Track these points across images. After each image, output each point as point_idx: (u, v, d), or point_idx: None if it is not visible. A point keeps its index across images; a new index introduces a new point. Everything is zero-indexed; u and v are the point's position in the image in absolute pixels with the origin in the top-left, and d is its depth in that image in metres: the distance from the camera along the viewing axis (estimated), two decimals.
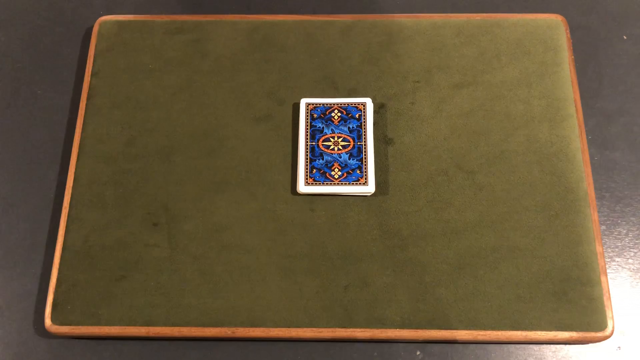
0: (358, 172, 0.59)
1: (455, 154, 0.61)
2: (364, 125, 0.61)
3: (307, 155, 0.60)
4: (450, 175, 0.60)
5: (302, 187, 0.59)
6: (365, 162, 0.59)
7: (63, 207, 0.60)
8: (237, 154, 0.61)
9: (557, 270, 0.56)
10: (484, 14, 0.67)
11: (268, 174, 0.60)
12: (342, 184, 0.59)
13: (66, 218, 0.59)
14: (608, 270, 0.59)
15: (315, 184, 0.59)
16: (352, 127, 0.61)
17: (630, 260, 0.60)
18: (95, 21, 0.68)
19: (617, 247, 0.60)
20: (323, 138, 0.61)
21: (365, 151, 0.60)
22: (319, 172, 0.59)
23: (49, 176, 0.64)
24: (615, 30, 0.69)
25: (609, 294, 0.55)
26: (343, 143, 0.60)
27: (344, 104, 0.62)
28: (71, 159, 0.62)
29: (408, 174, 0.60)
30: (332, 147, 0.60)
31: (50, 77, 0.68)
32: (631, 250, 0.60)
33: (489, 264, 0.56)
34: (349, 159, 0.60)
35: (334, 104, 0.62)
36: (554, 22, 0.66)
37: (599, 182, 0.62)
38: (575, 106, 0.62)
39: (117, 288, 0.56)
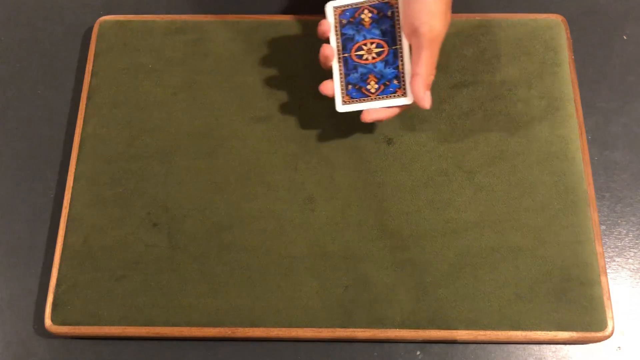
0: (395, 82, 0.56)
1: (455, 154, 0.61)
2: (398, 23, 0.56)
3: (340, 70, 0.57)
4: (450, 175, 0.60)
5: (340, 107, 0.57)
6: (402, 70, 0.56)
7: (63, 207, 0.60)
8: (237, 154, 0.61)
9: (557, 270, 0.56)
10: (484, 14, 0.67)
11: (268, 174, 0.60)
12: (379, 98, 0.56)
13: (66, 218, 0.59)
14: (608, 270, 0.59)
15: (353, 101, 0.57)
16: (385, 28, 0.57)
17: (630, 260, 0.60)
18: (95, 21, 0.68)
19: (617, 247, 0.60)
20: (355, 47, 0.57)
21: (401, 55, 0.56)
22: (355, 87, 0.57)
23: (49, 176, 0.64)
24: (615, 30, 0.69)
25: (609, 294, 0.55)
26: (377, 50, 0.57)
27: (374, 1, 0.57)
28: (71, 159, 0.62)
29: (408, 174, 0.60)
30: (365, 56, 0.57)
31: (50, 77, 0.68)
32: (631, 250, 0.60)
33: (489, 264, 0.56)
34: (385, 68, 0.56)
35: (363, 3, 0.57)
36: (554, 22, 0.66)
37: (599, 182, 0.62)
38: (575, 106, 0.62)
39: (117, 288, 0.56)
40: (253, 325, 0.55)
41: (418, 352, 0.56)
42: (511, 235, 0.57)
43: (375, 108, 0.57)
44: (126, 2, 0.72)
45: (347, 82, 0.57)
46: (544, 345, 0.56)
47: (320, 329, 0.55)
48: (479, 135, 0.61)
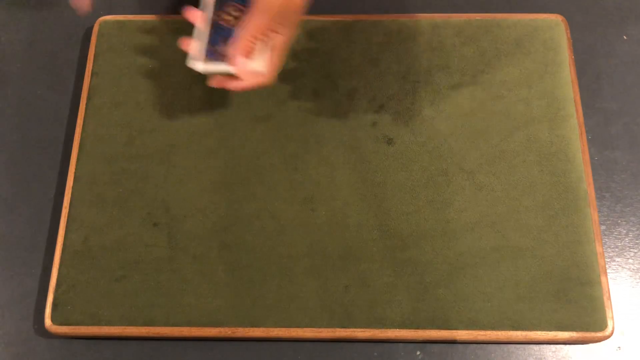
0: None
1: (455, 154, 0.61)
2: None
3: (206, 31, 0.57)
4: (450, 175, 0.60)
5: (194, 64, 0.56)
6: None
7: (63, 207, 0.60)
8: (237, 154, 0.61)
9: (557, 270, 0.56)
10: (484, 14, 0.67)
11: (268, 174, 0.60)
12: (225, 62, 0.56)
13: (66, 218, 0.59)
14: (608, 270, 0.59)
15: (208, 61, 0.56)
16: None
17: (630, 260, 0.60)
18: (95, 21, 0.68)
19: (617, 247, 0.60)
20: (223, 10, 0.57)
21: None
22: (213, 49, 0.56)
23: (49, 176, 0.64)
24: (615, 30, 0.69)
25: (609, 294, 0.55)
26: (237, 14, 0.57)
27: None
28: (71, 159, 0.62)
29: (408, 174, 0.60)
30: (228, 19, 0.57)
31: (50, 77, 0.68)
32: (631, 250, 0.60)
33: (489, 264, 0.56)
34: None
35: None
36: (554, 22, 0.66)
37: (599, 182, 0.62)
38: (575, 106, 0.62)
39: (117, 288, 0.56)
40: (253, 325, 0.55)
41: (418, 352, 0.56)
42: (511, 235, 0.57)
43: (221, 76, 0.56)
44: (126, 2, 0.72)
45: (210, 42, 0.57)
46: (544, 345, 0.56)
47: (320, 329, 0.55)
48: (479, 135, 0.61)
